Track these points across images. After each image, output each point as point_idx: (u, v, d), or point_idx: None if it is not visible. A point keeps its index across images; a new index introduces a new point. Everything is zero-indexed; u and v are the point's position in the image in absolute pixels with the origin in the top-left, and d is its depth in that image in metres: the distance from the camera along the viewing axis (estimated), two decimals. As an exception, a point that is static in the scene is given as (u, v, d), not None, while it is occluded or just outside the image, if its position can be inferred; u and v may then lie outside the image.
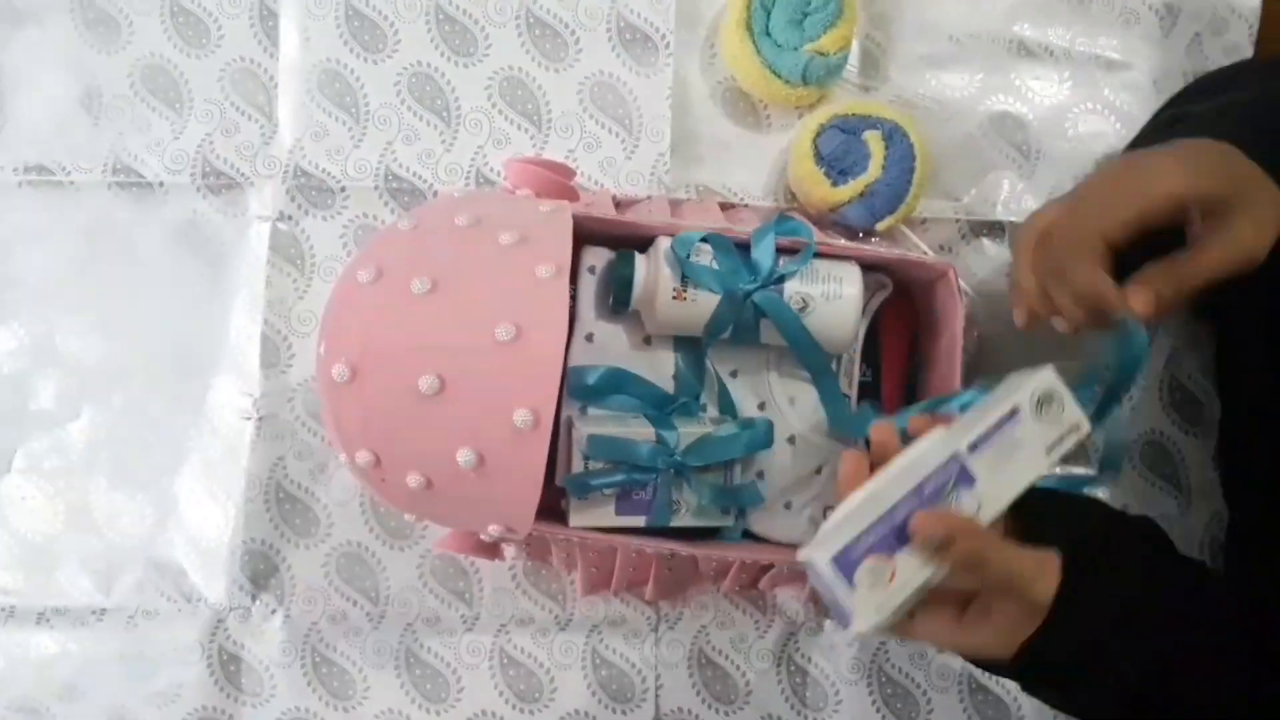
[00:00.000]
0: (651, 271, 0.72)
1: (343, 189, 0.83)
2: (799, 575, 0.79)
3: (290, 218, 0.83)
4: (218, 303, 0.83)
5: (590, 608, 0.82)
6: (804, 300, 0.72)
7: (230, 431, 0.82)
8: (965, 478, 0.55)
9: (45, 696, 0.81)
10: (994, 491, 0.56)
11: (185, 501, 0.82)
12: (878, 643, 0.83)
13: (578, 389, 0.73)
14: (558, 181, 0.72)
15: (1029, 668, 0.57)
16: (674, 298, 0.72)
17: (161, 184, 0.83)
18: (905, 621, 0.57)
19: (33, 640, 0.81)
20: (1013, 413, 0.57)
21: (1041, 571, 0.56)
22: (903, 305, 0.79)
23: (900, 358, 0.81)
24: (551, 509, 0.74)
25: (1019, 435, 0.57)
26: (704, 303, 0.72)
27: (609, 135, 0.84)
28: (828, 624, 0.83)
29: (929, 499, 0.54)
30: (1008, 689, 0.83)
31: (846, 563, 0.53)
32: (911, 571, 0.54)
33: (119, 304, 0.83)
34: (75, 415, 0.82)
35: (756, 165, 0.84)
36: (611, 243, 0.76)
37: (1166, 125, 0.76)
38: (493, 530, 0.67)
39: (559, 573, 0.82)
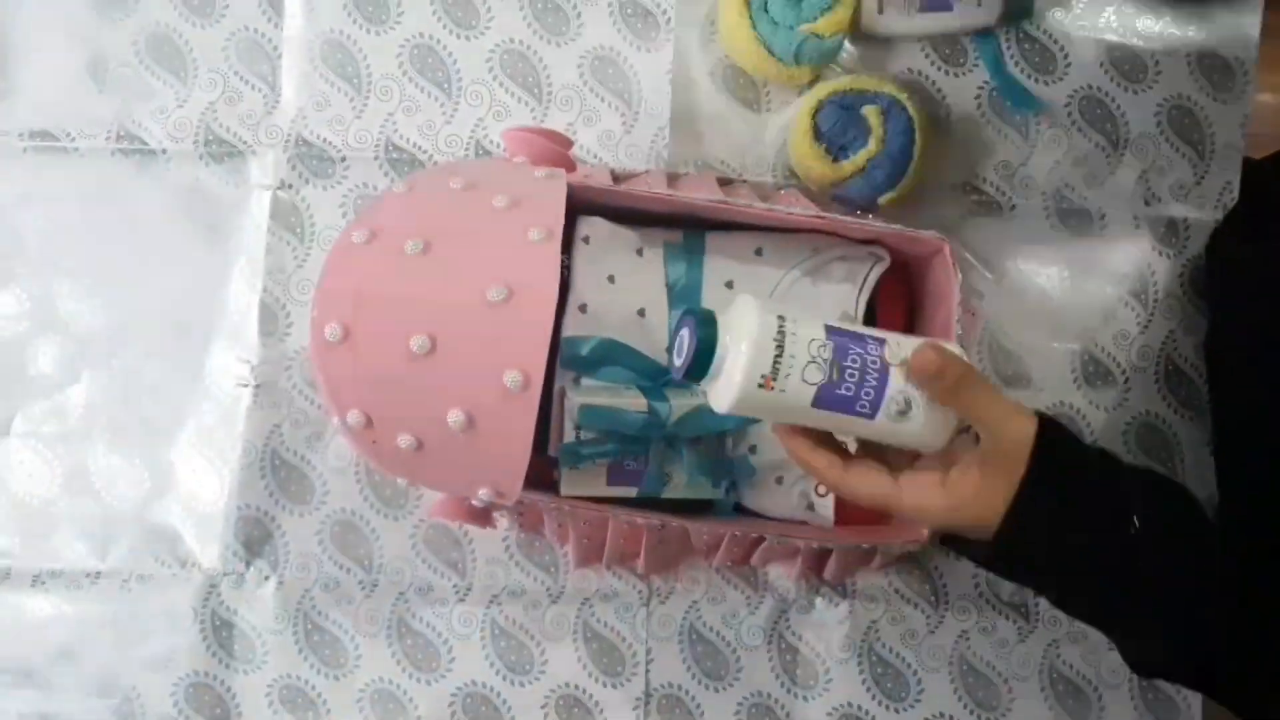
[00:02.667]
0: (736, 345, 0.57)
1: (343, 159, 0.83)
2: (791, 551, 0.79)
3: (291, 186, 0.83)
4: (217, 270, 0.83)
5: (582, 580, 0.82)
6: (906, 403, 0.58)
7: (227, 398, 0.82)
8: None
9: (39, 659, 0.81)
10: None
11: (181, 467, 0.82)
12: (869, 621, 0.83)
13: (571, 359, 0.74)
14: (555, 150, 0.72)
15: (1009, 533, 0.57)
16: (760, 386, 0.57)
17: (164, 151, 0.83)
18: (893, 488, 0.58)
19: (27, 603, 0.81)
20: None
21: (1017, 417, 0.57)
22: (900, 279, 0.79)
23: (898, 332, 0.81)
24: (544, 481, 0.74)
25: None
26: (794, 394, 0.57)
27: (609, 109, 0.84)
28: (819, 601, 0.83)
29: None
30: (998, 671, 0.82)
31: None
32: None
33: (120, 269, 0.83)
34: (74, 380, 0.83)
35: (756, 141, 0.84)
36: (608, 214, 0.76)
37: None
38: (483, 494, 0.67)
39: (551, 545, 0.82)
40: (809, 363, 0.57)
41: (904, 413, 0.58)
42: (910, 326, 0.80)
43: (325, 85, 0.83)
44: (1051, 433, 0.57)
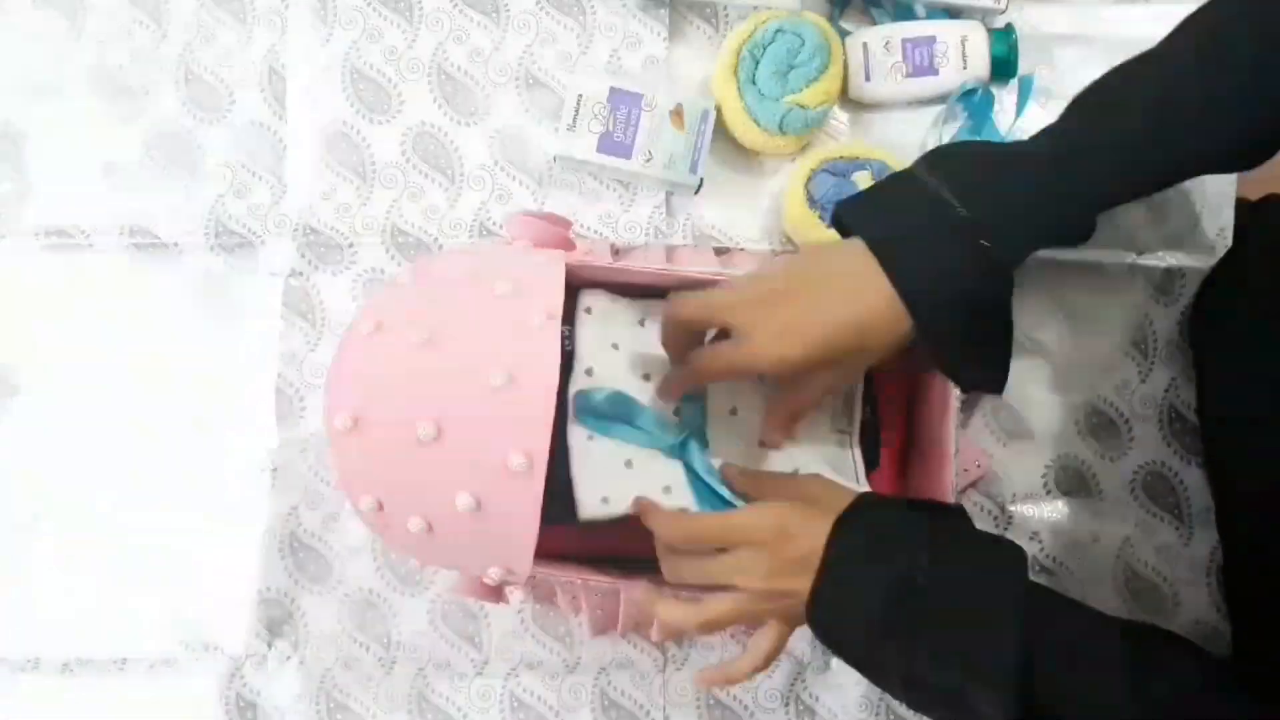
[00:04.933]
0: None
1: (351, 245, 0.86)
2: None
3: (301, 274, 0.85)
4: (232, 358, 0.85)
5: (598, 649, 0.83)
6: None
7: (246, 483, 0.84)
8: None
9: (68, 748, 0.83)
10: None
11: (203, 551, 0.84)
12: (885, 680, 0.83)
13: (585, 408, 0.74)
14: (554, 232, 0.74)
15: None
16: None
17: (177, 244, 0.86)
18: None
19: (57, 690, 0.83)
20: None
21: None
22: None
23: (899, 395, 0.82)
24: (553, 552, 0.75)
25: None
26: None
27: (607, 190, 0.86)
28: (835, 662, 0.83)
29: None
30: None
31: None
32: None
33: (138, 361, 0.86)
34: (98, 471, 0.85)
35: (752, 211, 0.86)
36: (609, 288, 0.78)
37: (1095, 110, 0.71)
38: (494, 573, 0.68)
39: (566, 615, 0.83)
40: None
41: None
42: (912, 381, 0.82)
43: (331, 174, 0.86)
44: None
